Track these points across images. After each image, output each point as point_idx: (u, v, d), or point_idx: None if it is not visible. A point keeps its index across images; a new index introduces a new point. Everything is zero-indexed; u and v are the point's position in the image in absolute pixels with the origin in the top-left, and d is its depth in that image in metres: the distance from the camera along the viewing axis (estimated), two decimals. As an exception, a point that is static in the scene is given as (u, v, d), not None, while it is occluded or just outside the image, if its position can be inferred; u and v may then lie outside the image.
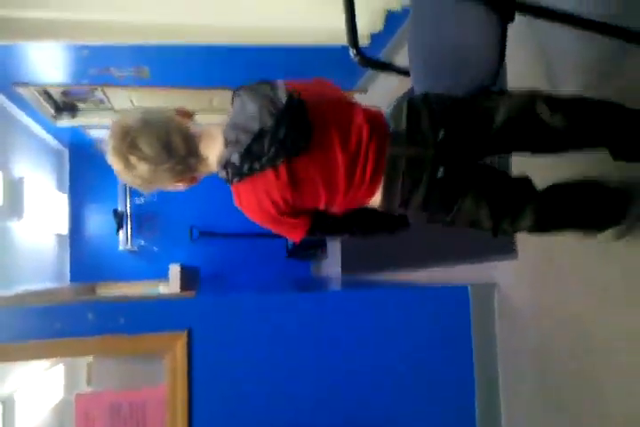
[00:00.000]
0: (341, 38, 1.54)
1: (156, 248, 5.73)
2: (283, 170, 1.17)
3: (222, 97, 4.00)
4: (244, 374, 2.15)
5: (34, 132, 4.57)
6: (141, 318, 2.14)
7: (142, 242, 5.72)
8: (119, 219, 5.55)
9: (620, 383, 1.57)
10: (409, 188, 1.19)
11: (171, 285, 2.36)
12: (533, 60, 1.94)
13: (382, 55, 3.20)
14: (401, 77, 1.68)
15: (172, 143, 1.19)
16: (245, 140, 1.17)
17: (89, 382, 3.94)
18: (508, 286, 2.16)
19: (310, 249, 5.68)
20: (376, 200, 1.25)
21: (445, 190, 1.19)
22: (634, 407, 1.52)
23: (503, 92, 1.29)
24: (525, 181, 1.29)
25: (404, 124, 1.18)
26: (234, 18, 2.56)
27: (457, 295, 2.27)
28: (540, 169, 1.41)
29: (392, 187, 1.20)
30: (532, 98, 1.20)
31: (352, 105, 1.28)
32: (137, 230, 5.74)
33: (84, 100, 4.01)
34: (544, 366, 1.93)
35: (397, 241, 3.34)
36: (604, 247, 1.59)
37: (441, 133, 1.16)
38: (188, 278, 2.86)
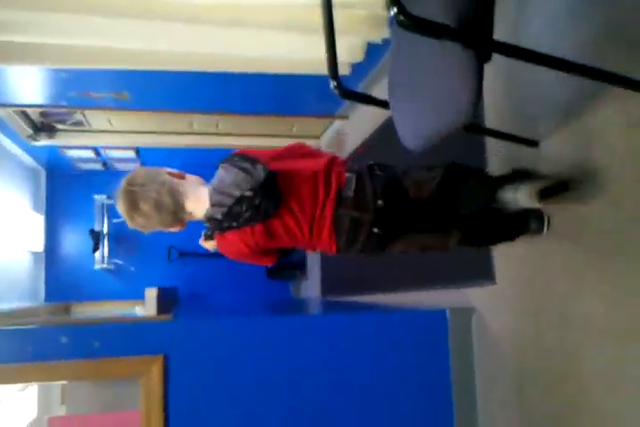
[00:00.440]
0: (324, 68, 1.58)
1: (132, 268, 5.69)
2: (257, 227, 1.50)
3: (203, 121, 4.02)
4: (220, 398, 2.13)
5: (10, 152, 4.53)
6: (116, 342, 2.12)
7: (119, 261, 5.67)
8: (96, 239, 5.50)
9: (598, 413, 1.59)
10: (350, 241, 1.53)
11: (147, 308, 2.34)
12: (510, 92, 1.99)
13: (363, 85, 3.26)
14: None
15: (163, 203, 1.55)
16: (228, 203, 1.48)
17: (63, 402, 3.87)
18: (487, 312, 2.18)
19: (290, 270, 5.68)
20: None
21: (379, 242, 1.55)
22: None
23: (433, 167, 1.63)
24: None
25: (351, 193, 1.51)
26: (217, 47, 2.58)
27: (435, 320, 2.29)
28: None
29: (338, 239, 1.54)
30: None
31: (317, 173, 1.55)
32: (114, 250, 5.71)
33: (62, 122, 3.99)
34: (522, 394, 1.95)
35: (377, 264, 3.37)
36: (581, 278, 1.62)
37: (379, 202, 1.50)
38: (166, 300, 2.84)
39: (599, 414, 1.58)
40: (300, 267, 5.53)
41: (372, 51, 2.78)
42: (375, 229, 1.51)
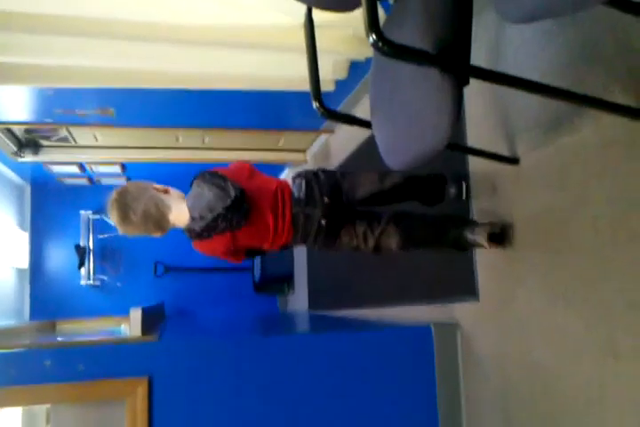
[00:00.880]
0: (308, 85, 1.60)
1: (119, 284, 5.65)
2: (229, 235, 1.83)
3: (188, 136, 4.02)
4: (206, 420, 2.12)
5: (-6, 168, 4.51)
6: (101, 364, 2.10)
7: (105, 277, 5.63)
8: (81, 254, 5.46)
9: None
10: (305, 234, 1.88)
11: (132, 329, 2.32)
12: (491, 111, 2.02)
13: (347, 101, 3.29)
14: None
15: (150, 214, 1.83)
16: (205, 217, 1.79)
17: (48, 422, 3.81)
18: (471, 329, 2.19)
19: (277, 284, 5.67)
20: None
21: (327, 234, 1.89)
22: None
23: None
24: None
25: (303, 194, 1.87)
26: (202, 66, 2.60)
27: (420, 336, 2.30)
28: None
29: (295, 233, 1.88)
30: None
31: (270, 181, 1.94)
32: (100, 265, 5.66)
33: (47, 138, 3.97)
34: (507, 411, 1.95)
35: (364, 279, 3.38)
36: (562, 295, 1.64)
37: (325, 200, 1.87)
38: (151, 319, 2.82)
39: (580, 420, 1.59)
40: (287, 281, 5.52)
41: (356, 68, 2.81)
42: (323, 222, 1.86)
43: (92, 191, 5.55)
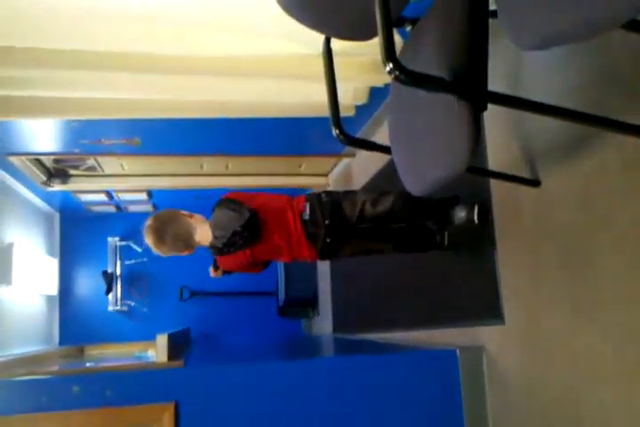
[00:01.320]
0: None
1: (145, 309, 5.69)
2: (247, 251, 2.13)
3: (212, 163, 4.09)
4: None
5: (25, 198, 4.61)
6: (128, 390, 2.13)
7: (132, 303, 5.68)
8: (109, 280, 5.53)
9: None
10: (315, 248, 2.15)
11: (158, 355, 2.34)
12: (512, 134, 2.03)
13: (368, 126, 3.32)
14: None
15: (180, 236, 2.15)
16: (226, 236, 2.10)
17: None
18: (497, 352, 2.17)
19: (301, 307, 5.66)
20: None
21: (331, 248, 2.16)
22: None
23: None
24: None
25: (307, 217, 2.12)
26: (225, 95, 2.66)
27: (446, 359, 2.28)
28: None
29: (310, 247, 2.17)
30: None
31: (284, 204, 2.18)
32: (127, 291, 5.72)
33: (75, 167, 4.07)
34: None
35: (388, 303, 3.37)
36: (591, 316, 1.62)
37: (327, 222, 2.12)
38: (177, 344, 2.84)
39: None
40: (311, 304, 5.51)
41: (376, 93, 2.84)
42: (328, 240, 2.13)
43: (119, 218, 5.66)
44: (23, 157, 3.59)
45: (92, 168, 4.07)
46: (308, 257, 2.22)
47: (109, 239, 5.69)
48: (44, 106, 2.56)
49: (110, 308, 5.60)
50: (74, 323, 5.50)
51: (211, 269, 2.40)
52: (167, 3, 1.94)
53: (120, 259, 5.71)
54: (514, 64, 2.00)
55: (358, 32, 1.61)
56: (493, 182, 2.14)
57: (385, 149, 1.71)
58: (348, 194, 2.24)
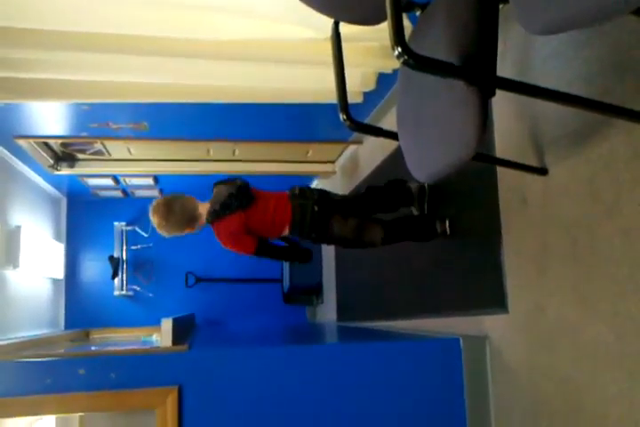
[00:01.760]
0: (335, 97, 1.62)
1: (151, 294, 5.72)
2: (241, 213, 2.37)
3: (219, 148, 4.08)
4: (236, 429, 2.14)
5: (32, 181, 4.63)
6: (132, 373, 2.14)
7: (137, 288, 5.71)
8: (115, 265, 5.56)
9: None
10: (301, 219, 2.40)
11: (163, 339, 2.36)
12: (519, 120, 2.01)
13: (375, 112, 3.30)
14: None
15: (186, 208, 2.41)
16: (222, 199, 2.39)
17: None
18: (500, 341, 2.17)
19: (306, 295, 5.68)
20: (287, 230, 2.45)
21: (319, 218, 2.40)
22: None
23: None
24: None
25: (297, 192, 2.47)
26: (233, 80, 2.65)
27: (449, 347, 2.28)
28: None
29: (294, 224, 2.41)
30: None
31: (278, 195, 2.49)
32: (132, 276, 5.75)
33: (82, 151, 4.07)
34: (538, 425, 1.92)
35: (392, 291, 3.37)
36: (596, 306, 1.61)
37: (315, 196, 2.45)
38: (182, 329, 2.86)
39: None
40: (316, 292, 5.52)
41: (384, 79, 2.82)
42: (315, 208, 2.40)
43: (125, 203, 5.67)
44: (31, 140, 3.59)
45: (99, 152, 4.07)
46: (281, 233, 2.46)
47: (116, 224, 5.71)
48: (53, 89, 2.56)
49: (116, 292, 5.64)
50: (80, 307, 5.54)
51: None
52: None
53: (126, 244, 5.73)
54: (523, 51, 1.98)
55: (367, 16, 1.59)
56: (500, 170, 2.12)
57: (392, 135, 1.70)
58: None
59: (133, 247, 5.72)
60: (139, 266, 5.77)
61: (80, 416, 3.32)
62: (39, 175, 4.56)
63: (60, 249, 5.38)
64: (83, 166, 4.32)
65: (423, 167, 1.51)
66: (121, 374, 2.12)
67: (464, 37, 1.29)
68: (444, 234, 2.53)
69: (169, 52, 2.30)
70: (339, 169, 4.70)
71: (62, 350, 3.63)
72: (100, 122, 3.32)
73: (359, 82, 2.79)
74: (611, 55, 1.55)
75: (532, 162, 1.88)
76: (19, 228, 4.14)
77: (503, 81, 1.27)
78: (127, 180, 4.93)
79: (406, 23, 1.89)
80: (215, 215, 2.37)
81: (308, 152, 4.40)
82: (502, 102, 2.04)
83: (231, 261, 5.71)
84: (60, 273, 5.36)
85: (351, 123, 1.66)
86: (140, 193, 5.47)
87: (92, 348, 4.26)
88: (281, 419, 2.16)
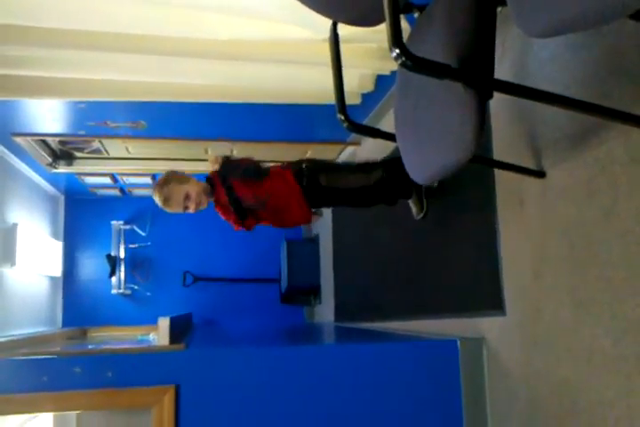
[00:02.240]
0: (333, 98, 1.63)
1: (148, 293, 5.72)
2: (253, 185, 2.45)
3: (217, 147, 4.08)
4: (232, 429, 2.14)
5: (30, 179, 4.62)
6: (129, 372, 2.14)
7: (135, 286, 5.71)
8: (112, 263, 5.56)
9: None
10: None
11: (160, 338, 2.36)
12: (517, 123, 2.01)
13: (373, 114, 3.30)
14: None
15: (184, 177, 2.46)
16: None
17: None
18: (497, 343, 2.17)
19: (303, 295, 5.68)
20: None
21: (309, 174, 2.51)
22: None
23: None
24: None
25: (295, 165, 2.56)
26: (231, 80, 2.66)
27: (446, 349, 2.28)
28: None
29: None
30: None
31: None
32: (130, 275, 5.75)
33: (80, 150, 4.07)
34: None
35: (390, 293, 3.37)
36: (592, 309, 1.62)
37: (304, 166, 2.54)
38: (179, 328, 2.86)
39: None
40: (313, 293, 5.53)
41: (382, 81, 2.83)
42: (303, 165, 2.53)
43: (123, 202, 5.67)
44: (29, 138, 3.59)
45: (97, 151, 4.07)
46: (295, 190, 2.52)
47: (113, 223, 5.71)
48: (51, 86, 2.56)
49: (114, 291, 5.63)
50: (77, 305, 5.54)
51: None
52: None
53: (124, 242, 5.73)
54: (521, 53, 1.98)
55: (366, 17, 1.59)
56: (497, 172, 2.13)
57: (390, 137, 1.70)
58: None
59: (131, 246, 5.72)
60: (136, 265, 5.77)
61: (77, 415, 3.32)
62: (37, 173, 4.56)
63: (57, 247, 5.37)
64: (81, 164, 4.32)
65: (421, 169, 1.52)
66: (118, 372, 2.12)
67: (462, 39, 1.29)
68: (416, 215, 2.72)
69: (168, 51, 2.30)
70: (337, 169, 4.69)
71: (59, 348, 3.63)
72: (98, 120, 3.32)
73: (357, 83, 2.79)
74: (608, 58, 1.55)
75: (530, 164, 1.88)
76: (15, 225, 4.13)
77: (501, 83, 1.27)
78: (125, 178, 4.93)
79: (404, 25, 1.88)
80: (221, 177, 2.48)
81: (306, 153, 4.40)
82: (500, 105, 2.05)
83: (229, 260, 5.73)
84: (57, 271, 5.35)
85: (349, 124, 1.67)
86: (137, 192, 5.47)
87: (89, 346, 4.25)
88: (277, 419, 2.16)
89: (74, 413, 3.58)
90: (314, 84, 2.68)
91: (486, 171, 2.17)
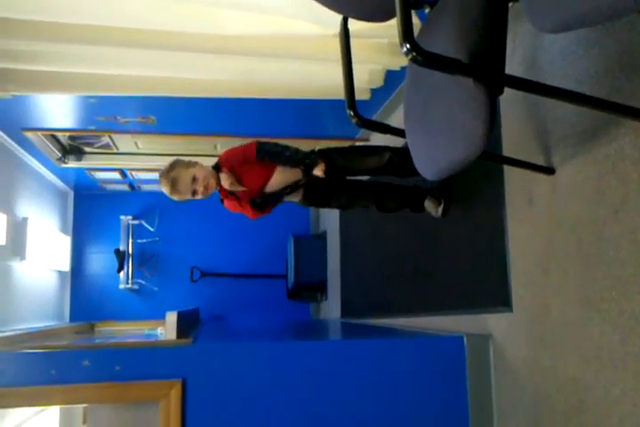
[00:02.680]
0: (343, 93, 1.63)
1: (156, 288, 5.75)
2: (263, 169, 2.49)
3: (226, 143, 4.08)
4: (238, 423, 2.14)
5: (40, 174, 4.65)
6: (137, 366, 2.15)
7: (143, 282, 5.74)
8: (121, 258, 5.58)
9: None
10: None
11: (167, 332, 2.37)
12: (526, 118, 2.01)
13: (383, 109, 3.30)
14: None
15: (187, 163, 2.39)
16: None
17: (84, 422, 3.89)
18: (504, 339, 2.16)
19: (310, 291, 5.69)
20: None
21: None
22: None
23: None
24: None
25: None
26: (241, 74, 2.66)
27: (453, 345, 2.28)
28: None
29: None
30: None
31: None
32: (138, 270, 5.78)
33: (90, 145, 4.09)
34: (539, 424, 1.92)
35: (396, 289, 3.37)
36: (600, 306, 1.61)
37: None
38: (186, 323, 2.87)
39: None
40: (320, 289, 5.53)
41: (392, 76, 2.82)
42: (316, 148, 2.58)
43: (132, 197, 5.70)
44: (38, 133, 3.61)
45: (106, 146, 4.09)
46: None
47: (122, 218, 5.74)
48: (62, 81, 2.58)
49: (121, 286, 5.67)
50: (85, 300, 5.57)
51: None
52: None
53: (132, 238, 5.75)
54: (532, 49, 1.97)
55: (376, 13, 1.59)
56: (507, 169, 2.12)
57: (399, 133, 1.70)
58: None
59: (139, 241, 5.75)
60: (144, 260, 5.80)
61: (84, 408, 3.34)
62: (47, 168, 4.59)
63: (66, 242, 5.40)
64: (90, 160, 4.34)
65: (430, 165, 1.51)
66: (125, 366, 2.14)
67: (473, 35, 1.28)
68: (434, 214, 2.65)
69: (178, 46, 2.31)
70: (345, 166, 4.69)
71: (67, 342, 3.66)
72: (107, 115, 3.33)
73: (367, 78, 2.79)
74: (620, 54, 1.54)
75: (539, 161, 1.88)
76: (26, 220, 4.16)
77: (511, 79, 1.26)
78: (134, 173, 4.94)
79: (415, 20, 1.88)
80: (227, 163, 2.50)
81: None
82: (510, 100, 2.04)
83: (236, 256, 5.75)
84: (65, 266, 5.39)
85: (358, 119, 1.66)
86: (146, 187, 5.49)
87: (97, 340, 4.28)
88: (283, 413, 2.17)
89: (80, 407, 3.60)
90: (323, 80, 2.67)
91: (495, 167, 2.16)
